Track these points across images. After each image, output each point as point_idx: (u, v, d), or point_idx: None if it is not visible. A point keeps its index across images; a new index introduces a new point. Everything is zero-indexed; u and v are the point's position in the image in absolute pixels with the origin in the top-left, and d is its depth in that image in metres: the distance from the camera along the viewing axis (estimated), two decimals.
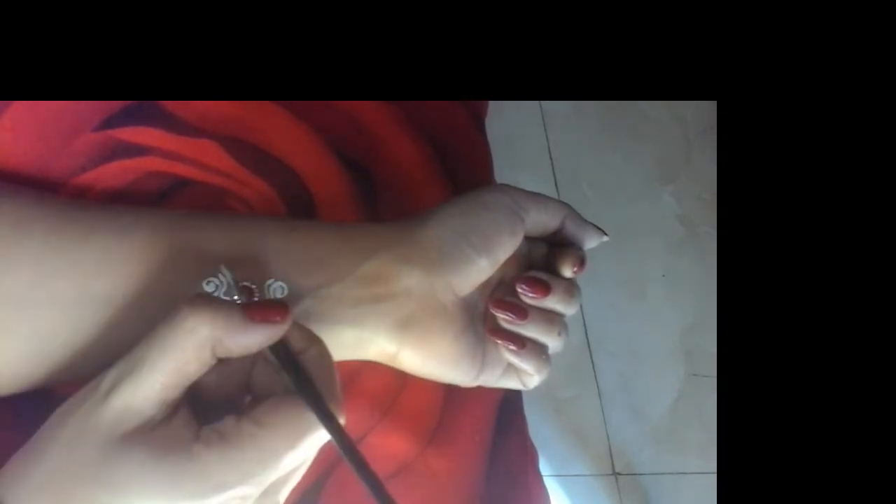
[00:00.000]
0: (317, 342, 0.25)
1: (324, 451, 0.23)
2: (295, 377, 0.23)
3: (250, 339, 0.23)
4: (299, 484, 0.30)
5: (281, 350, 0.24)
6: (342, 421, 0.23)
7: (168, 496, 0.21)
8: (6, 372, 0.25)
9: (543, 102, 1.28)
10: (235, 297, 0.26)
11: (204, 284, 0.26)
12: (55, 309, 0.25)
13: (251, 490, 0.22)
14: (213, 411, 0.24)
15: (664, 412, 1.15)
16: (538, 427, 0.81)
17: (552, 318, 0.31)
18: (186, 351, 0.22)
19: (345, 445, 0.23)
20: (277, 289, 0.27)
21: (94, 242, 0.26)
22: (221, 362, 0.23)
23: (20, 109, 0.30)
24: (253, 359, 0.24)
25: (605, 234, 0.33)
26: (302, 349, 0.24)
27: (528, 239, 0.32)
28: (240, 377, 0.24)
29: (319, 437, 0.23)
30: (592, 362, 1.14)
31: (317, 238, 0.29)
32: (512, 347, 0.30)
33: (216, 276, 0.26)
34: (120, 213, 0.27)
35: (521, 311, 0.30)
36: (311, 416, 0.22)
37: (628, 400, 1.14)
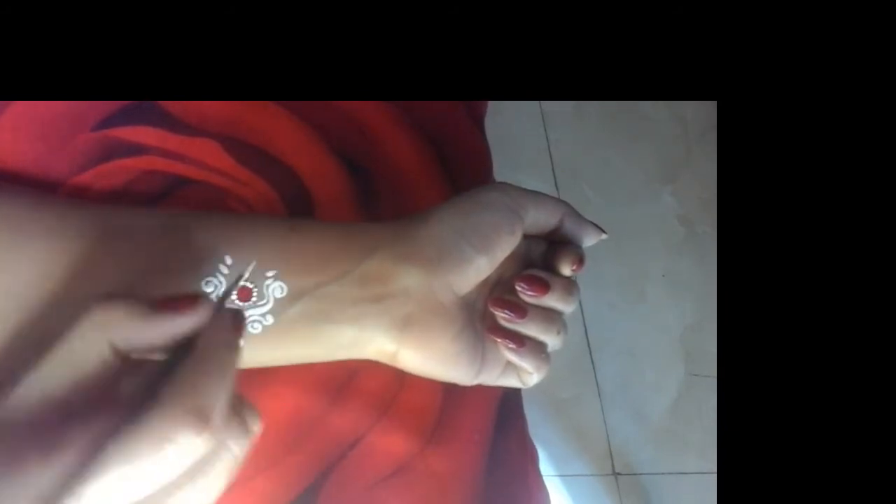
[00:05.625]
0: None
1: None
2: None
3: (154, 330, 0.21)
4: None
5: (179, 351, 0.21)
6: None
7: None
8: None
9: (543, 102, 1.28)
10: (234, 297, 0.26)
11: (203, 284, 0.26)
12: (55, 309, 0.25)
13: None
14: None
15: (664, 412, 1.15)
16: (538, 427, 0.81)
17: (551, 317, 0.31)
18: (84, 339, 0.20)
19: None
20: (276, 288, 0.27)
21: (90, 243, 0.26)
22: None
23: (20, 109, 0.30)
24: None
25: (604, 231, 0.33)
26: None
27: (527, 237, 0.32)
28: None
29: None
30: (592, 362, 1.14)
31: (316, 237, 0.29)
32: (511, 346, 0.30)
33: (215, 276, 0.26)
34: (118, 214, 0.27)
35: (520, 309, 0.30)
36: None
37: (628, 400, 1.14)
